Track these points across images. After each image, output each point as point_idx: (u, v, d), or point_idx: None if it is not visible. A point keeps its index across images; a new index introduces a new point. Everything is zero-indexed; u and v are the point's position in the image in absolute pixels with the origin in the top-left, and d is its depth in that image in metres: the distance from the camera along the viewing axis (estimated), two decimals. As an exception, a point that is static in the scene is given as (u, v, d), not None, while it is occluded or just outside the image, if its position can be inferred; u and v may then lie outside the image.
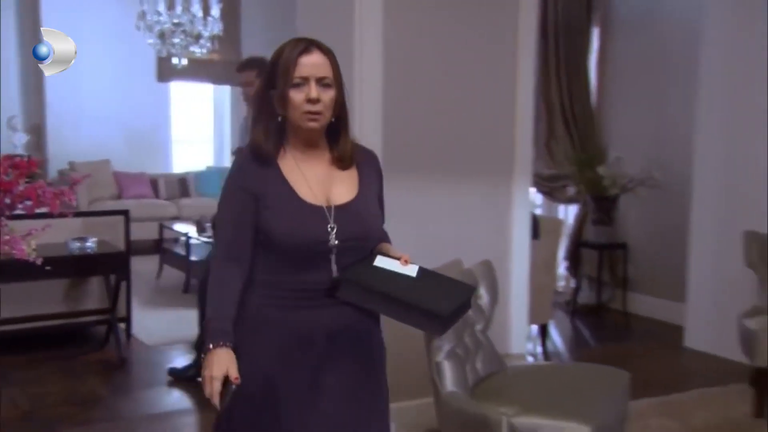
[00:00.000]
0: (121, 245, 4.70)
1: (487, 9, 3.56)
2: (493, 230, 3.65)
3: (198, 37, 6.54)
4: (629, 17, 5.80)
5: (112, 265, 4.55)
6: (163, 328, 5.18)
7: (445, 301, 1.82)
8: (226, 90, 9.35)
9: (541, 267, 4.40)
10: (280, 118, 1.85)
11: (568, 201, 6.01)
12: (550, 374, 3.16)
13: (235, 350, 1.78)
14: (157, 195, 8.62)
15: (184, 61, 7.03)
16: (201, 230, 6.06)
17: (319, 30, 3.53)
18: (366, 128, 3.31)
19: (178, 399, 3.99)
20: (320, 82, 1.80)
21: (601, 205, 5.57)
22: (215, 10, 6.53)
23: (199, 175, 9.00)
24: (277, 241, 1.80)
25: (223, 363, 1.74)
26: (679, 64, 5.26)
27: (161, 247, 6.82)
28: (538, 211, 5.84)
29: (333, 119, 1.85)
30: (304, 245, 1.79)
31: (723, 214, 4.67)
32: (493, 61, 3.60)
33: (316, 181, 1.85)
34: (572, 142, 5.90)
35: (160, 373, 4.29)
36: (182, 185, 8.85)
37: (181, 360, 4.40)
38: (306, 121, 1.80)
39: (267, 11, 8.65)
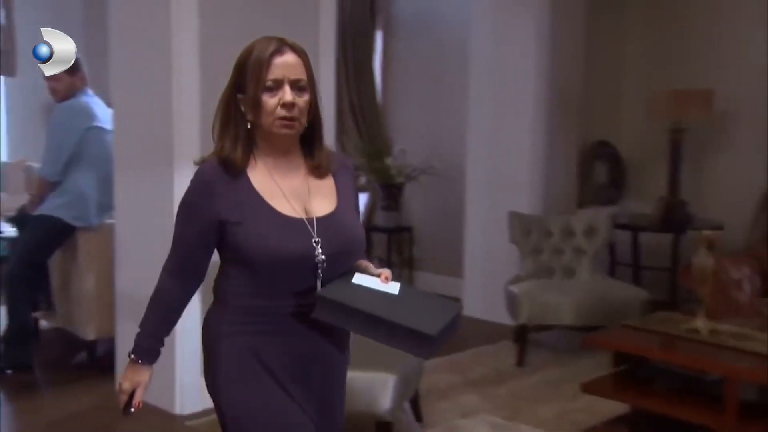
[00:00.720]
0: None
1: (292, 14, 3.91)
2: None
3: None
4: (409, 22, 6.41)
5: None
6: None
7: (432, 321, 1.66)
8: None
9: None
10: (249, 125, 1.71)
11: (360, 190, 6.54)
12: (356, 338, 3.61)
13: (213, 389, 1.72)
14: (-75, 191, 7.98)
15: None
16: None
17: (135, 31, 3.71)
18: (184, 127, 3.55)
19: (-15, 392, 3.96)
20: (294, 85, 1.67)
21: (389, 192, 6.16)
22: (-3, -3, 6.24)
23: (-28, 170, 8.45)
24: (253, 259, 1.65)
25: (134, 379, 1.78)
26: (453, 66, 5.95)
27: (-60, 246, 6.41)
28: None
29: (306, 125, 1.72)
30: (285, 262, 1.65)
31: (491, 198, 5.41)
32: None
33: (292, 192, 1.72)
34: (361, 135, 6.43)
35: (-38, 369, 4.20)
36: (-45, 180, 8.26)
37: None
38: (280, 127, 1.67)
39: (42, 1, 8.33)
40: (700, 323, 3.39)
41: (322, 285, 1.68)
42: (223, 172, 1.69)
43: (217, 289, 1.77)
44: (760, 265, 4.34)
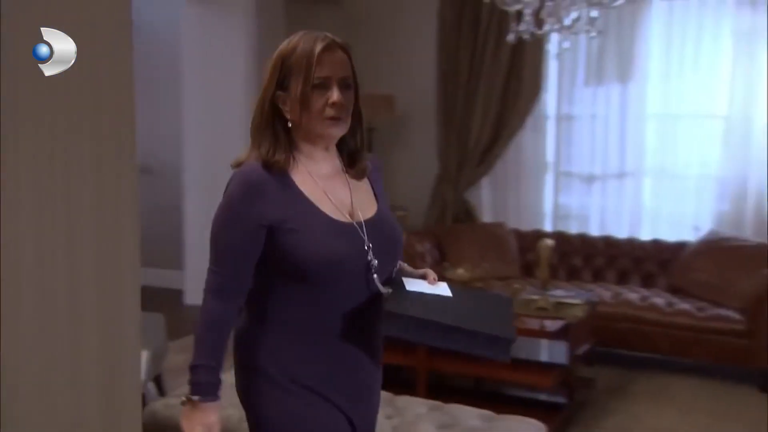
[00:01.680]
0: None
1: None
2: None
3: None
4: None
5: None
6: None
7: (504, 323, 1.68)
8: None
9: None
10: (289, 124, 1.62)
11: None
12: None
13: (255, 406, 1.63)
14: None
15: None
16: None
17: None
18: None
19: None
20: (342, 83, 1.60)
21: (103, 192, 6.25)
22: None
23: None
24: (309, 268, 1.56)
25: (208, 421, 1.57)
26: (165, 69, 6.21)
27: None
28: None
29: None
30: (342, 270, 1.58)
31: (209, 194, 5.78)
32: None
33: (337, 195, 1.65)
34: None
35: None
36: None
37: None
38: (328, 127, 1.59)
39: None
40: (396, 286, 4.20)
41: (372, 291, 1.62)
42: (268, 175, 1.59)
43: (255, 303, 1.65)
44: (437, 239, 5.34)
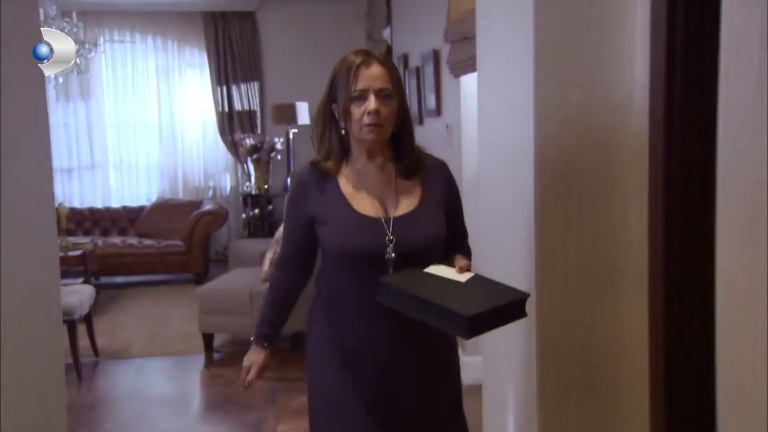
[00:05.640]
0: None
1: None
2: None
3: None
4: None
5: None
6: None
7: (474, 303, 1.68)
8: None
9: None
10: (343, 131, 1.85)
11: None
12: None
13: (306, 368, 1.96)
14: None
15: None
16: None
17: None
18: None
19: None
20: (380, 93, 1.78)
21: None
22: None
23: None
24: (334, 254, 1.83)
25: (252, 358, 2.01)
26: None
27: None
28: None
29: (396, 130, 1.84)
30: (359, 257, 1.80)
31: None
32: None
33: (377, 193, 1.85)
34: None
35: None
36: None
37: None
38: (366, 133, 1.79)
39: None
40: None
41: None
42: (317, 175, 1.88)
43: (317, 282, 1.98)
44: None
